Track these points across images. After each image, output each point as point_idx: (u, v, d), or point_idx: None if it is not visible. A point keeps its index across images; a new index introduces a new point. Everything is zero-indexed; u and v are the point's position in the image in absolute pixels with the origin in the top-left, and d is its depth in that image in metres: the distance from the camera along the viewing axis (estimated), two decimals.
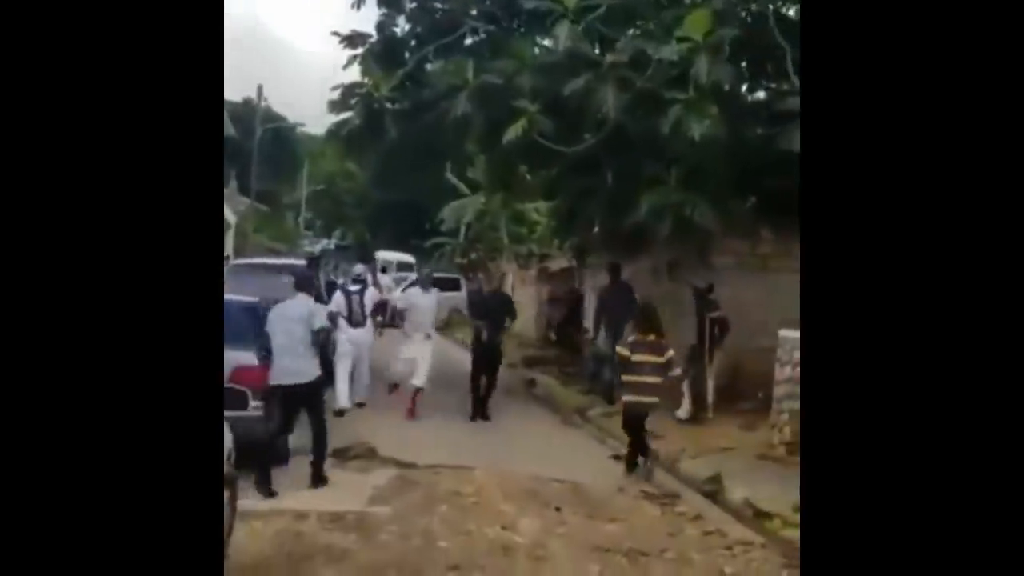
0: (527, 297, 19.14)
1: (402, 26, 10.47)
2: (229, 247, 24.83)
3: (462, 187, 23.39)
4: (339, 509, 5.11)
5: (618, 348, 7.16)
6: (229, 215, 24.87)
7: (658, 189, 8.84)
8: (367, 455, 6.45)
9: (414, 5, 10.17)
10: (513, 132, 8.44)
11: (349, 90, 9.33)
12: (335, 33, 9.79)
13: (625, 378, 6.80)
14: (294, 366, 5.78)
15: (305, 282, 6.54)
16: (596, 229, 12.06)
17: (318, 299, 7.07)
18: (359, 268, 10.32)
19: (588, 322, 14.44)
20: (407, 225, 34.71)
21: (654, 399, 6.71)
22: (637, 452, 6.76)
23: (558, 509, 5.50)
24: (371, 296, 9.32)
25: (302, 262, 11.98)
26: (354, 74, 10.05)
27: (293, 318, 5.98)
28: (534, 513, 5.37)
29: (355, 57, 9.78)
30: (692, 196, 8.49)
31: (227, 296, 8.37)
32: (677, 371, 7.16)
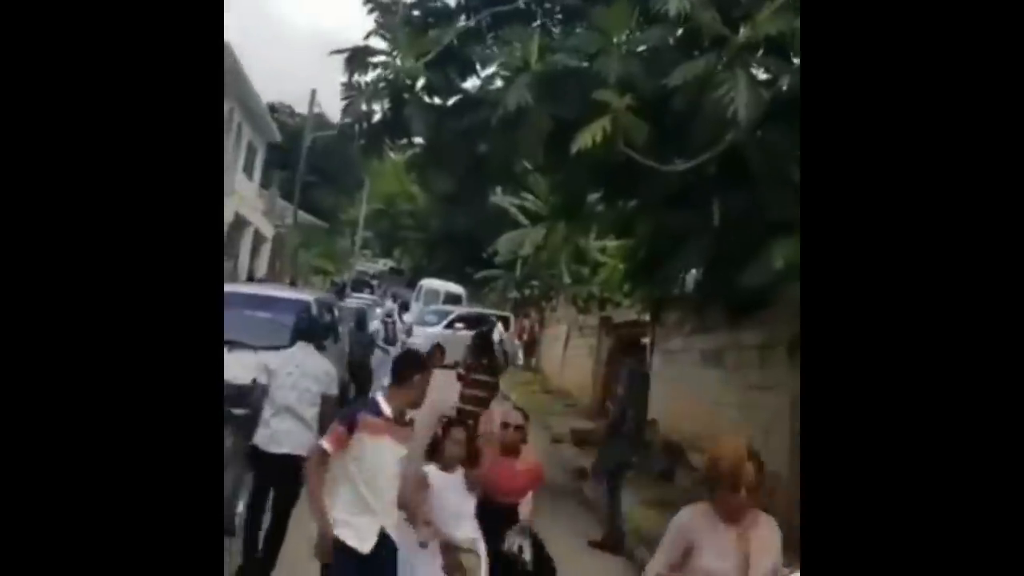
0: (585, 350, 16.27)
1: None
2: (262, 263, 22.65)
3: (517, 214, 20.81)
4: None
5: (458, 369, 9.18)
6: (266, 227, 22.74)
7: (795, 238, 5.99)
8: None
9: None
10: (588, 137, 5.70)
11: (359, 58, 6.63)
12: None
13: (462, 391, 8.69)
14: (298, 433, 4.89)
15: (312, 330, 5.55)
16: (688, 281, 9.22)
17: (321, 347, 5.69)
18: (389, 307, 14.77)
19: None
20: (464, 253, 32.51)
21: (483, 409, 8.34)
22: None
23: None
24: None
25: (303, 296, 9.38)
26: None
27: (312, 375, 5.07)
28: None
29: (381, 27, 7.17)
30: None
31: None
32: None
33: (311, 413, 4.99)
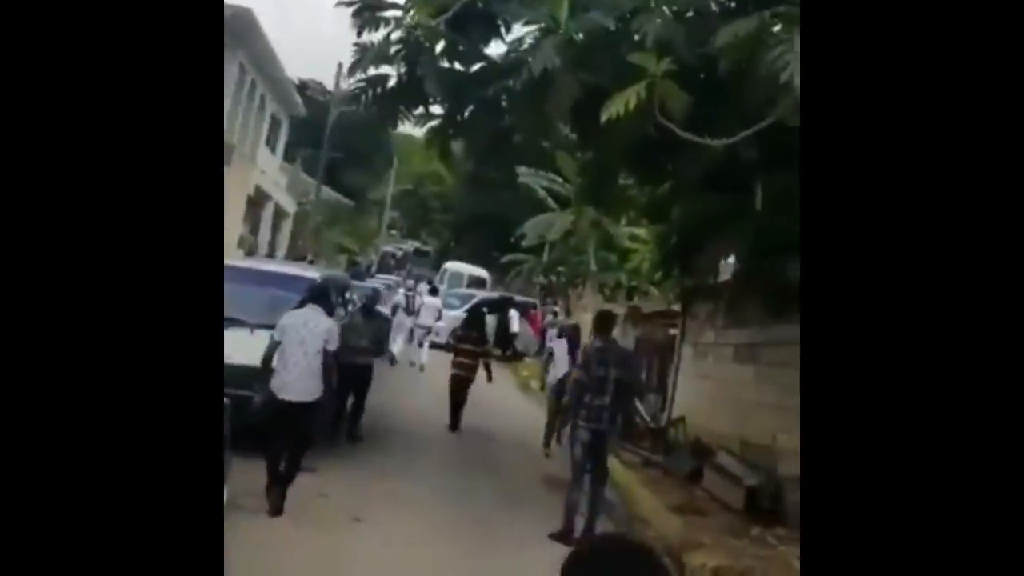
0: None
1: None
2: (283, 240, 22.29)
3: (546, 198, 20.16)
4: None
5: (448, 337, 12.40)
6: (288, 203, 22.35)
7: None
8: None
9: None
10: (621, 103, 5.10)
11: (367, 11, 6.03)
12: None
13: (453, 359, 10.29)
14: (302, 382, 5.66)
15: (322, 296, 6.17)
16: (723, 270, 8.57)
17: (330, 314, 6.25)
18: (410, 284, 16.96)
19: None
20: (492, 236, 31.93)
21: (471, 374, 10.06)
22: (459, 413, 10.00)
23: None
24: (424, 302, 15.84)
25: (310, 274, 8.82)
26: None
27: (315, 333, 5.72)
28: None
29: None
30: None
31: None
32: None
33: (316, 365, 5.67)
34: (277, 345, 5.69)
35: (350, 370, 7.32)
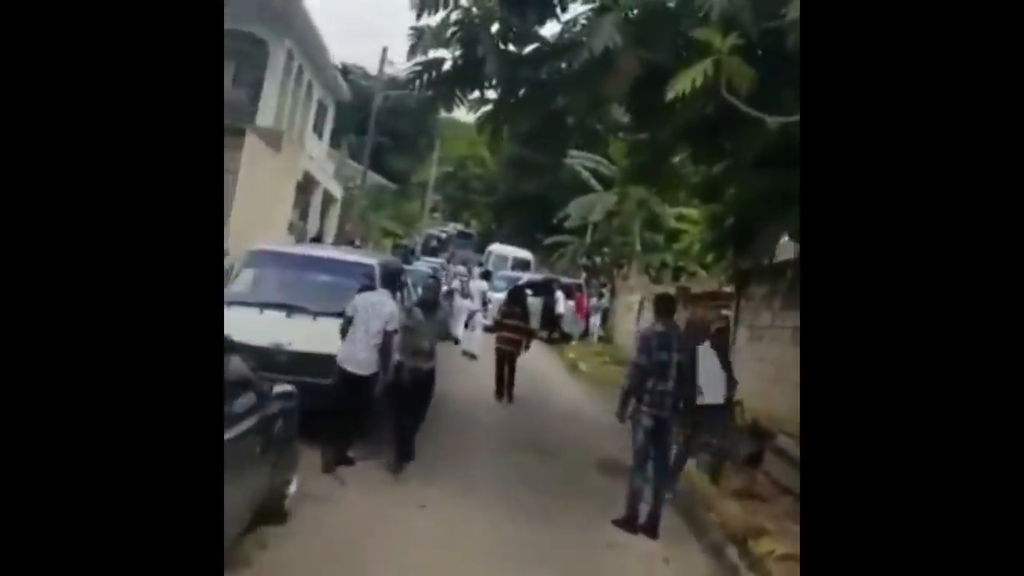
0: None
1: None
2: (331, 225, 22.48)
3: (589, 178, 19.93)
4: None
5: (494, 315, 12.49)
6: (335, 188, 22.51)
7: None
8: None
9: None
10: (687, 81, 4.96)
11: None
12: None
13: (497, 334, 11.02)
14: (362, 355, 6.24)
15: (391, 281, 6.96)
16: (786, 250, 8.38)
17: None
18: (462, 269, 17.25)
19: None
20: (534, 218, 31.81)
21: (516, 349, 10.76)
22: (504, 384, 10.64)
23: None
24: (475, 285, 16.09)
25: (367, 260, 8.74)
26: None
27: (379, 314, 6.28)
28: None
29: None
30: None
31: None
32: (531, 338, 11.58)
33: (375, 343, 6.24)
34: (350, 321, 6.28)
35: (413, 376, 6.59)
